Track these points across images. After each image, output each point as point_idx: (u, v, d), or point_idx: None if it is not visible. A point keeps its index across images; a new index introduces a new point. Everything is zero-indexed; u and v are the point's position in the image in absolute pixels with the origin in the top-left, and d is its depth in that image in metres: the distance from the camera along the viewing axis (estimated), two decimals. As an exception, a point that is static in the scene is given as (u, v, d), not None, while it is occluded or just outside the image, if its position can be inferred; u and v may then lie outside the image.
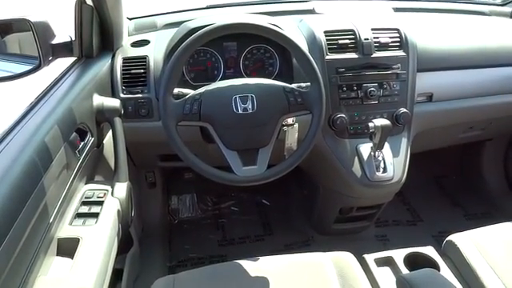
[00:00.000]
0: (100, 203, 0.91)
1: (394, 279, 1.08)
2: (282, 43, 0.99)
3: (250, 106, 0.96)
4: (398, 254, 1.15)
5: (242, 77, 1.10)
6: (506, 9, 1.60)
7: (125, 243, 1.11)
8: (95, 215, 0.87)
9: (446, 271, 1.08)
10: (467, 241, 1.09)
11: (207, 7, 1.45)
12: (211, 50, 1.21)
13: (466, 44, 1.35)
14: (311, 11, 1.41)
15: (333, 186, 1.36)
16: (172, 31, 1.24)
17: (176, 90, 0.99)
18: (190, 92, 1.00)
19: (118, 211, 0.94)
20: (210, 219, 1.80)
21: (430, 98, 1.32)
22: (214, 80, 1.17)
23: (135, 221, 1.27)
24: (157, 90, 1.15)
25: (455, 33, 1.39)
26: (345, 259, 1.01)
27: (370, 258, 1.15)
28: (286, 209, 1.81)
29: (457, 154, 1.98)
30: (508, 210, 1.74)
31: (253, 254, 1.03)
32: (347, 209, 1.43)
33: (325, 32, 1.22)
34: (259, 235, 1.71)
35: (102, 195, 0.93)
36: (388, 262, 1.15)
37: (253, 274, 0.96)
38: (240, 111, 0.96)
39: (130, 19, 1.38)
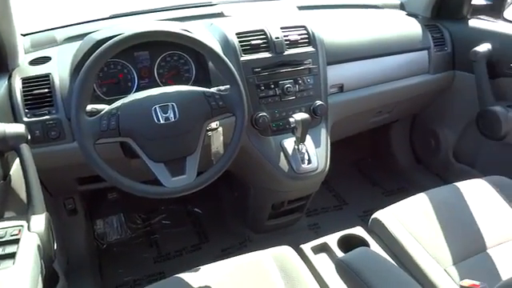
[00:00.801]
0: (15, 241, 0.81)
1: (331, 263, 1.13)
2: (196, 48, 0.98)
3: (172, 115, 0.94)
4: (332, 239, 1.21)
5: (158, 86, 1.07)
6: (396, 1, 1.76)
7: (49, 280, 1.01)
8: (11, 256, 0.78)
9: (375, 247, 1.16)
10: (389, 216, 1.18)
11: (111, 17, 1.38)
12: (122, 61, 1.16)
13: (367, 36, 1.46)
14: (220, 14, 1.42)
15: (262, 183, 1.38)
16: (75, 45, 1.16)
17: (89, 107, 0.93)
18: (104, 107, 0.94)
19: (38, 247, 0.85)
20: (142, 237, 1.72)
21: (341, 88, 1.40)
22: (128, 92, 1.12)
23: (59, 254, 1.17)
24: (66, 110, 1.06)
25: (356, 26, 1.49)
26: (283, 253, 1.03)
27: (306, 247, 1.19)
28: (219, 213, 1.80)
29: (369, 138, 2.14)
30: (418, 181, 1.92)
31: (191, 266, 1.01)
32: (279, 204, 1.46)
33: (237, 34, 1.23)
34: (195, 245, 1.68)
35: (16, 232, 0.83)
36: (324, 248, 1.20)
37: (195, 285, 0.94)
38: (162, 121, 0.93)
39: (25, 35, 1.25)
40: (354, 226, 1.25)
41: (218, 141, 1.15)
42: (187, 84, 1.18)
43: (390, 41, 1.50)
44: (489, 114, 1.51)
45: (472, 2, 1.62)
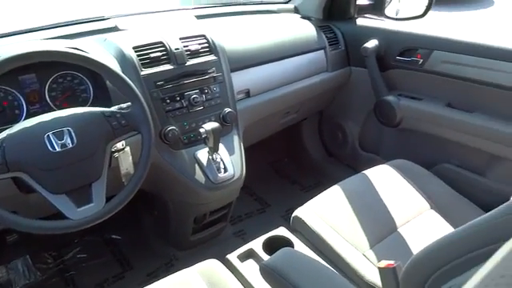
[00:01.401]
0: None
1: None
2: (88, 66, 0.92)
3: (69, 141, 0.86)
4: (257, 244, 1.21)
5: (52, 110, 0.98)
6: (290, 5, 1.83)
7: None
8: None
9: (298, 244, 1.19)
10: (308, 212, 1.22)
11: (-14, 40, 1.23)
12: (4, 88, 1.03)
13: (266, 40, 1.50)
14: (114, 29, 1.35)
15: (181, 198, 1.34)
16: None
17: None
18: None
19: None
20: (55, 277, 1.55)
21: (247, 93, 1.42)
22: (17, 121, 1.00)
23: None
24: None
25: (255, 32, 1.52)
26: (210, 267, 1.01)
27: (232, 256, 1.18)
28: (141, 237, 1.71)
29: (282, 138, 2.20)
30: (332, 174, 2.01)
31: None
32: (201, 216, 1.43)
33: (134, 48, 1.17)
34: (118, 274, 1.57)
35: None
36: (250, 255, 1.20)
37: None
38: (58, 149, 0.85)
39: None
40: (278, 227, 1.27)
41: (126, 161, 1.08)
42: (85, 105, 1.10)
43: (288, 43, 1.55)
44: (383, 103, 1.64)
45: (357, 3, 1.76)
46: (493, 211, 0.63)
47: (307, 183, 2.08)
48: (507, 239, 0.59)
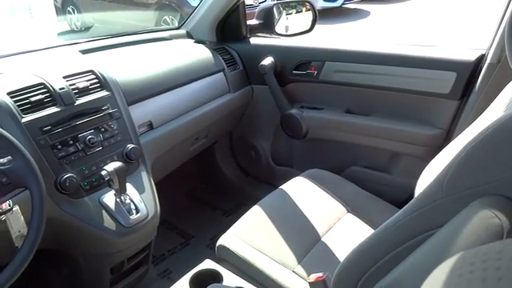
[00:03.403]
0: None
1: None
2: None
3: None
4: (183, 283, 1.13)
5: None
6: (182, 31, 1.80)
7: None
8: None
9: (227, 274, 1.13)
10: (232, 237, 1.18)
11: None
12: None
13: (162, 69, 1.44)
14: None
15: (92, 250, 1.21)
16: None
17: None
18: None
19: None
20: None
21: (150, 126, 1.35)
22: None
23: None
24: None
25: (149, 61, 1.46)
26: None
27: None
28: None
29: (197, 165, 2.14)
30: (251, 193, 2.00)
31: None
32: (118, 265, 1.30)
33: (9, 93, 1.04)
34: None
35: None
36: None
37: None
38: None
39: None
40: (205, 259, 1.20)
41: (17, 223, 0.95)
42: None
43: (186, 69, 1.52)
44: (288, 117, 1.68)
45: (248, 23, 1.80)
46: (403, 209, 0.65)
47: (228, 207, 2.04)
48: (421, 234, 0.61)
